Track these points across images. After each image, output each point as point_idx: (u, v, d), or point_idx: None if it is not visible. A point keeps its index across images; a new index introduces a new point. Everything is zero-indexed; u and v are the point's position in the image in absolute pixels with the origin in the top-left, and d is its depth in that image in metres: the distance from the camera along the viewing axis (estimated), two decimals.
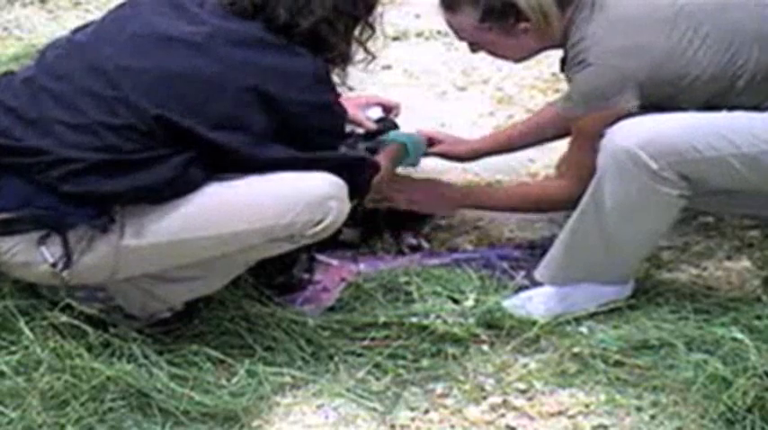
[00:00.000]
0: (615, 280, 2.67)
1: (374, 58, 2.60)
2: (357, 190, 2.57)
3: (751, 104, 2.57)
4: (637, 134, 2.52)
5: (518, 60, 2.91)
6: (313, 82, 2.46)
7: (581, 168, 2.67)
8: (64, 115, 2.36)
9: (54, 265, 2.35)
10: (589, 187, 2.59)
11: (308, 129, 2.47)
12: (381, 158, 2.81)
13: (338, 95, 2.56)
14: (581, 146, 2.68)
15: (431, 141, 3.14)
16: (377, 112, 3.02)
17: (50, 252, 2.35)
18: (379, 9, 2.57)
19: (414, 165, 3.09)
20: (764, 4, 2.65)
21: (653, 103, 2.63)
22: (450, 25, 2.77)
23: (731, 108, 2.57)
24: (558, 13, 2.65)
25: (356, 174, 2.55)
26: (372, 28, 2.57)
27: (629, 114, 2.58)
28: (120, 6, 2.57)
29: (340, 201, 2.47)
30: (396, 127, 3.05)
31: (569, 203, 2.71)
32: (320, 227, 2.45)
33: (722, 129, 2.52)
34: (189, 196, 2.39)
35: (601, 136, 2.57)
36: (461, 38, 2.79)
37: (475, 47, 2.81)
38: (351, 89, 2.62)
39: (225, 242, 2.42)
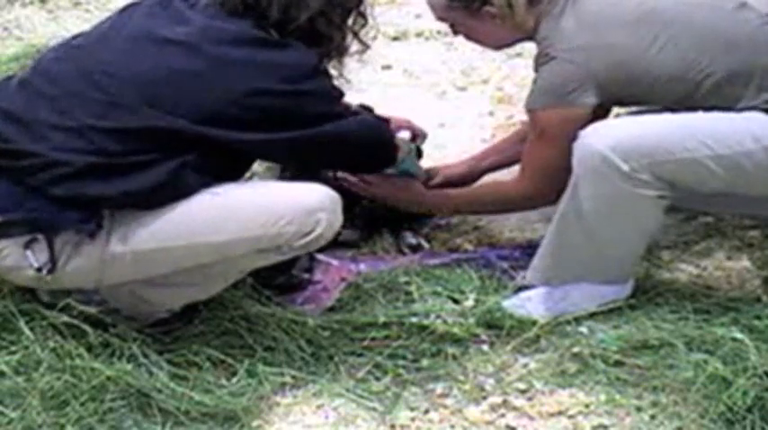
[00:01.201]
0: (611, 279, 2.67)
1: (368, 47, 2.60)
2: (382, 155, 2.66)
3: (722, 107, 2.56)
4: (608, 136, 2.53)
5: (494, 48, 2.93)
6: (306, 72, 2.46)
7: (535, 167, 2.71)
8: (56, 119, 2.36)
9: (39, 270, 2.34)
10: (567, 189, 2.59)
11: (310, 117, 2.46)
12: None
13: (332, 81, 2.56)
14: (537, 143, 2.70)
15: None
16: (406, 136, 3.00)
17: (36, 256, 2.34)
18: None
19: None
20: (739, 8, 2.65)
21: (617, 103, 2.65)
22: (428, 3, 2.80)
23: (705, 110, 2.57)
24: (526, 3, 2.67)
25: (374, 139, 2.62)
26: (364, 17, 2.57)
27: (599, 117, 2.60)
28: (120, 11, 2.57)
29: (330, 213, 2.45)
30: (420, 154, 3.03)
31: (528, 202, 2.78)
32: (308, 238, 2.43)
33: (696, 130, 2.52)
34: (177, 204, 2.38)
35: (573, 139, 2.57)
36: (437, 17, 2.82)
37: (455, 28, 2.83)
38: (348, 81, 2.62)
39: (211, 251, 2.41)
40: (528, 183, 2.73)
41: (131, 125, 2.34)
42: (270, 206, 2.42)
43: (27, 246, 2.34)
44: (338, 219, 2.49)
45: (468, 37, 2.86)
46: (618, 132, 2.53)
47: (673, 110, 2.60)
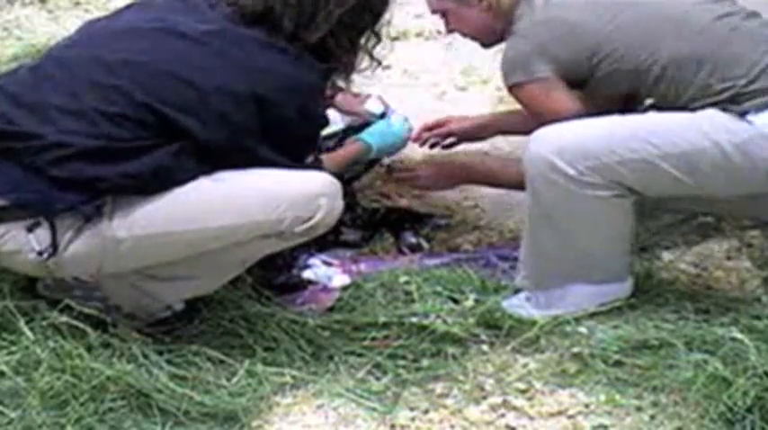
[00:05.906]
0: (606, 279, 2.66)
1: (380, 64, 2.60)
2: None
3: (671, 96, 2.58)
4: (551, 141, 2.55)
5: (485, 42, 2.93)
6: (310, 91, 2.48)
7: None
8: (62, 101, 2.36)
9: (40, 254, 2.34)
10: (527, 196, 2.61)
11: (294, 137, 2.47)
12: (339, 154, 2.91)
13: (327, 106, 2.60)
14: (534, 117, 2.73)
15: (437, 126, 3.20)
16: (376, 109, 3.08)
17: (38, 240, 2.34)
18: (386, 15, 2.58)
19: (391, 153, 3.12)
20: (714, 1, 2.68)
21: (571, 82, 2.69)
22: None
23: (652, 100, 2.60)
24: None
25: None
26: (378, 36, 2.57)
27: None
28: (134, 3, 2.58)
29: (331, 199, 2.46)
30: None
31: None
32: (309, 224, 2.44)
33: (640, 130, 2.53)
34: (177, 189, 2.38)
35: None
36: (432, 9, 2.88)
37: (447, 21, 2.87)
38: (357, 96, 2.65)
39: (212, 236, 2.41)
40: None
41: (133, 111, 2.34)
42: (271, 191, 2.43)
43: (30, 229, 2.34)
44: (339, 205, 2.49)
45: (460, 31, 2.90)
46: (562, 136, 2.55)
47: (624, 111, 2.62)
